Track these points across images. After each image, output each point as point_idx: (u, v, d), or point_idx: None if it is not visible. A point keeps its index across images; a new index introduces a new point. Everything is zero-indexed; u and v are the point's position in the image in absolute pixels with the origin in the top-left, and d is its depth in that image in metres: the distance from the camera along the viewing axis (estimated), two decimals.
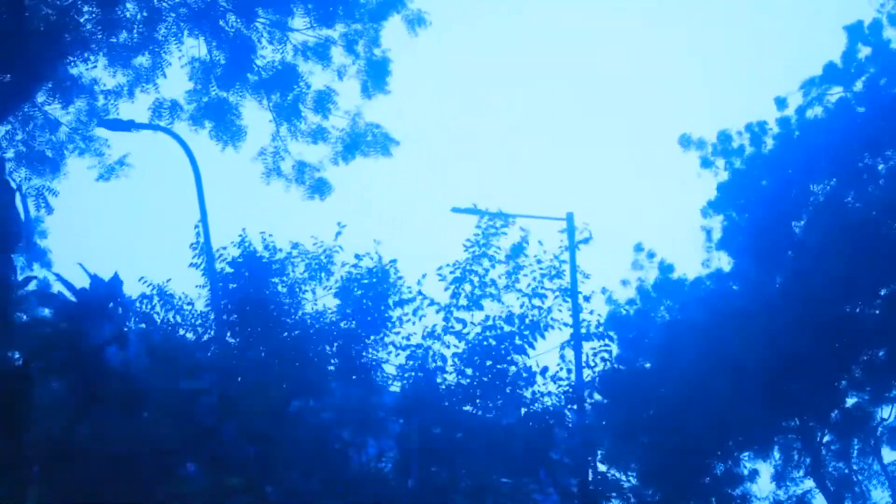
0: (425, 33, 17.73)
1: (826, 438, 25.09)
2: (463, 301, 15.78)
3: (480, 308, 15.81)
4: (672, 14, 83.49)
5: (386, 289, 15.75)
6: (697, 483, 23.66)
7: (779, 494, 25.20)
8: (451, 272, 15.90)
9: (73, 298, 7.40)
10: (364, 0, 17.63)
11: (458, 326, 15.67)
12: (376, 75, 18.16)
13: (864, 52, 24.26)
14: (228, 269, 15.87)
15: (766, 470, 25.64)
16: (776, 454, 25.70)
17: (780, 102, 25.48)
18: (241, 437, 5.52)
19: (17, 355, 7.99)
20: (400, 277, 16.00)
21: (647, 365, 25.10)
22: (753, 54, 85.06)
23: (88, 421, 4.87)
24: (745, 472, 25.27)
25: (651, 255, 28.35)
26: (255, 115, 18.21)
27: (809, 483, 25.13)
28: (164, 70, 17.08)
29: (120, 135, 18.25)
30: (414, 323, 15.84)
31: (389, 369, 15.66)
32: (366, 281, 15.74)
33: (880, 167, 23.29)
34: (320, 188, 18.43)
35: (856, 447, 25.88)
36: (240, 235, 16.17)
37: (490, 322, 15.74)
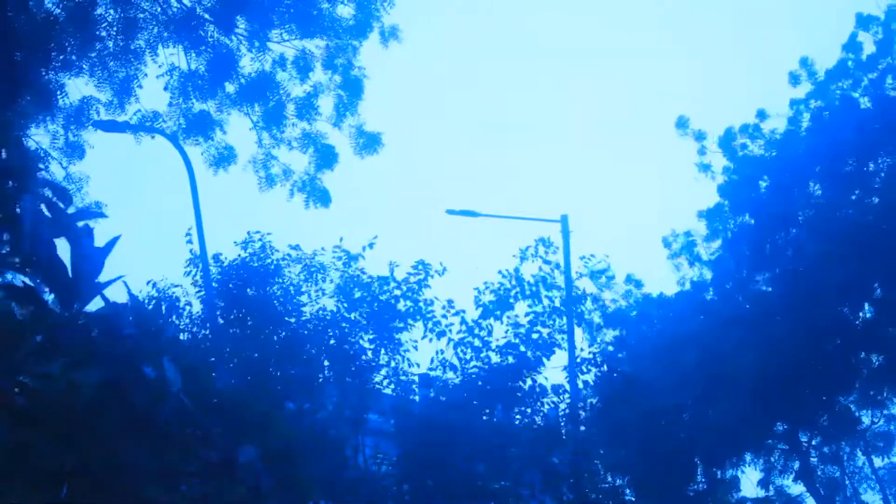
0: (419, 32, 17.71)
1: (815, 442, 25.02)
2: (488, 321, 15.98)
3: (499, 319, 16.00)
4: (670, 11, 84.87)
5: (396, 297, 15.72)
6: (685, 489, 23.50)
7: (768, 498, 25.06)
8: (491, 290, 16.07)
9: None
10: (341, 16, 17.54)
11: (477, 343, 15.80)
12: (350, 96, 18.03)
13: (868, 50, 24.47)
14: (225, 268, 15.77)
15: (755, 475, 25.57)
16: (764, 459, 25.62)
17: (794, 78, 25.58)
18: (257, 462, 5.22)
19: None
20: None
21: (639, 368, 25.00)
22: (755, 50, 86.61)
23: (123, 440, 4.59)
24: (731, 477, 25.18)
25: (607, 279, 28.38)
26: (234, 124, 18.10)
27: (800, 487, 25.05)
28: (140, 81, 16.92)
29: (115, 137, 18.01)
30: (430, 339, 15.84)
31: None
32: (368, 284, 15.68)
33: (874, 170, 23.37)
34: (319, 197, 18.22)
35: (846, 451, 25.87)
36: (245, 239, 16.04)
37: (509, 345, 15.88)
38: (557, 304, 16.37)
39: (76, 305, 3.99)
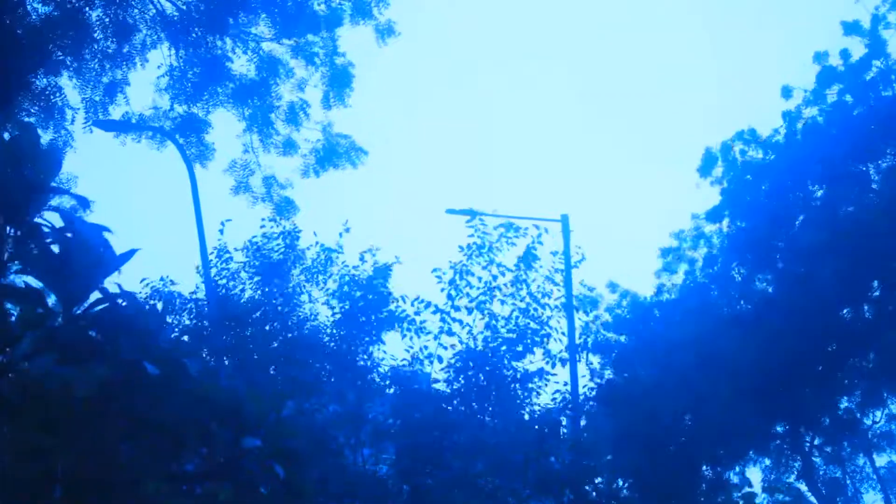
0: (423, 31, 17.79)
1: (817, 442, 24.98)
2: (461, 302, 15.48)
3: (482, 312, 15.57)
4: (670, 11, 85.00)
5: (383, 295, 15.47)
6: (687, 491, 23.46)
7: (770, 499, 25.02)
8: (445, 273, 15.52)
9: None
10: (323, 11, 17.52)
11: (456, 327, 15.40)
12: (338, 86, 18.05)
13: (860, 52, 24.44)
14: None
15: (756, 476, 25.54)
16: (766, 460, 25.59)
17: (787, 91, 25.52)
18: (267, 459, 5.24)
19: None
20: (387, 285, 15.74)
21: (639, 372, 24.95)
22: (755, 53, 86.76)
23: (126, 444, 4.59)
24: (735, 479, 25.12)
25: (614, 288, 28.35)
26: (228, 124, 18.13)
27: (801, 487, 24.98)
28: (131, 82, 16.93)
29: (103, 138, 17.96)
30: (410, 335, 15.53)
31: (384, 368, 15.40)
32: (364, 283, 15.49)
33: (872, 173, 23.32)
34: (286, 208, 18.24)
35: (847, 451, 25.86)
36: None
37: (489, 326, 15.52)
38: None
39: (78, 306, 3.97)
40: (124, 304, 4.65)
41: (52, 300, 4.00)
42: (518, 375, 15.36)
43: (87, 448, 4.21)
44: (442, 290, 15.43)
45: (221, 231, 16.39)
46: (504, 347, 15.34)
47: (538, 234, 16.01)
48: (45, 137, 16.96)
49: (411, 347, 15.40)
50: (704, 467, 23.71)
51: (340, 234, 15.98)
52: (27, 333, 3.97)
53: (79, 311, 3.93)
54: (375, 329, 15.27)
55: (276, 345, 14.62)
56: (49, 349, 3.96)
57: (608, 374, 20.41)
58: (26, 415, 4.03)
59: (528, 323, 15.62)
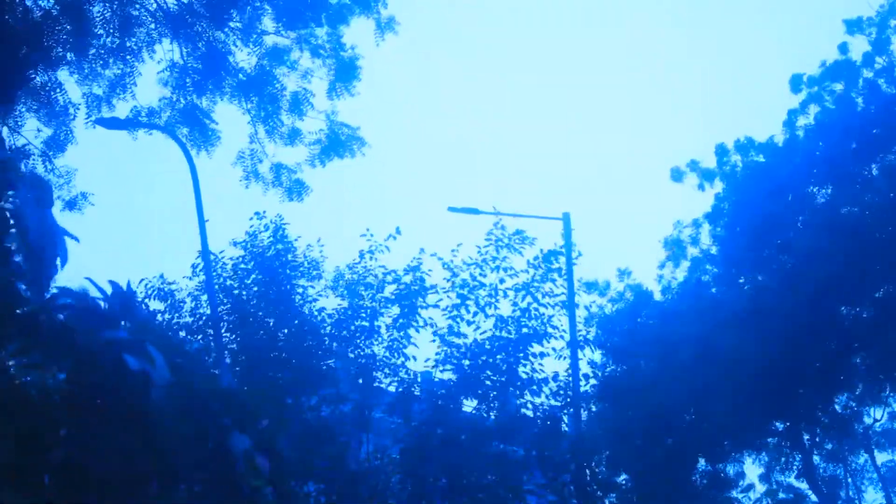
0: (427, 31, 17.75)
1: (817, 440, 24.94)
2: (471, 306, 15.88)
3: (486, 314, 15.92)
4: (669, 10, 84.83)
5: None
6: (687, 486, 23.49)
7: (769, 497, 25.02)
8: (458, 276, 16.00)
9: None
10: (333, 2, 17.51)
11: (465, 327, 15.78)
12: (345, 77, 18.05)
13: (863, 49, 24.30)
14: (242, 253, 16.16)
15: (754, 472, 25.55)
16: (765, 457, 25.57)
17: (796, 82, 25.36)
18: (253, 454, 5.23)
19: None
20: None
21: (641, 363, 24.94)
22: (757, 52, 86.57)
23: (100, 435, 4.58)
24: (733, 474, 25.14)
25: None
26: (232, 120, 18.09)
27: (802, 484, 24.98)
28: (136, 77, 16.88)
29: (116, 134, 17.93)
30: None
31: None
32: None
33: (875, 171, 23.18)
34: (297, 190, 18.21)
35: (847, 449, 25.80)
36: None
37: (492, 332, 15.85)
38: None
39: (46, 292, 3.98)
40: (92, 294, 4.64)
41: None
42: (526, 377, 15.61)
43: (77, 440, 4.20)
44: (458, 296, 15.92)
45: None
46: (504, 354, 15.64)
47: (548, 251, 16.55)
48: (46, 133, 17.09)
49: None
50: (703, 462, 23.75)
51: (389, 236, 16.53)
52: (12, 332, 3.97)
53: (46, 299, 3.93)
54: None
55: (282, 335, 14.74)
56: (34, 347, 3.96)
57: (608, 366, 20.40)
58: (17, 408, 4.03)
59: (531, 322, 15.95)
